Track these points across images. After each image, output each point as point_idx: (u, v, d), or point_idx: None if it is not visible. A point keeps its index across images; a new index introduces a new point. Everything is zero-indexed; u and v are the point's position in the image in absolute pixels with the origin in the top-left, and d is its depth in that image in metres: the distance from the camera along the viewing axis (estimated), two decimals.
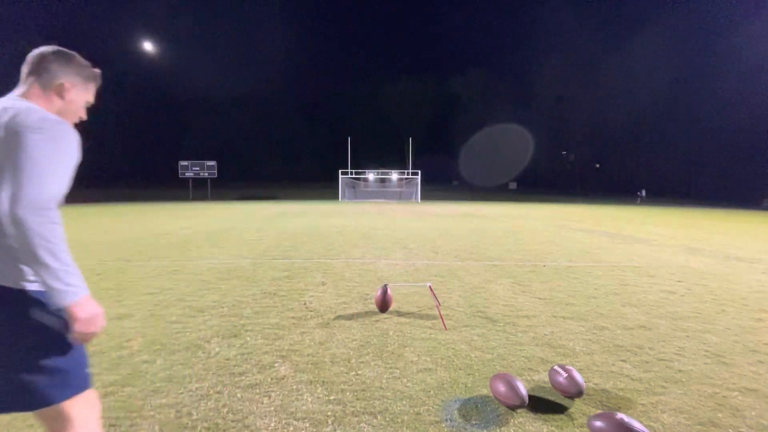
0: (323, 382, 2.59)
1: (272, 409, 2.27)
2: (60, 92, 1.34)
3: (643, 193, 44.63)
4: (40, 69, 1.31)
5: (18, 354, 1.21)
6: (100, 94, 1.50)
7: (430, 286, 4.19)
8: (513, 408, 2.26)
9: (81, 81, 1.39)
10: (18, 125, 1.17)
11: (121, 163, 67.53)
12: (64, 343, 1.26)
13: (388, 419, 2.19)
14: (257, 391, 2.47)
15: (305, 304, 4.30)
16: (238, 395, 2.41)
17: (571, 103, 66.71)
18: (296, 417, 2.19)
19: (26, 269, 1.20)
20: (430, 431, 2.09)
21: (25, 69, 1.33)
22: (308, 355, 3.01)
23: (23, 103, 1.25)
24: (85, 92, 1.42)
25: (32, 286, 1.21)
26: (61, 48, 1.37)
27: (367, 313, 4.00)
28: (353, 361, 2.92)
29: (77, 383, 1.29)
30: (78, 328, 1.20)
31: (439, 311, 3.92)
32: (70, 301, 1.17)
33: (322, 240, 9.37)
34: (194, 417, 2.17)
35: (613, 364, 2.91)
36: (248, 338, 3.30)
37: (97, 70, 1.46)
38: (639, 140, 62.45)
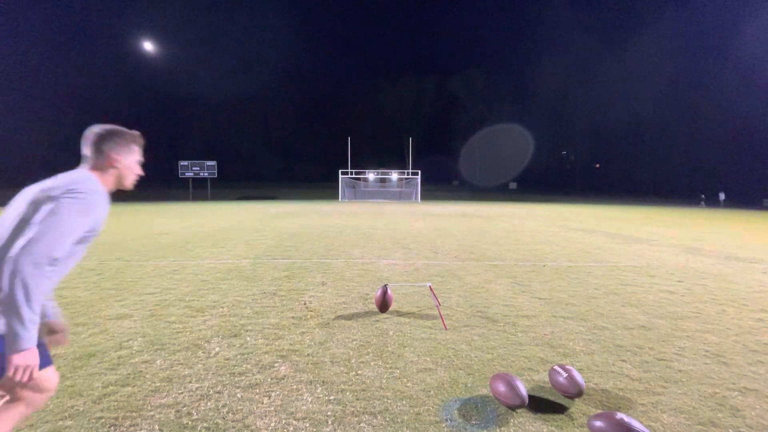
0: (323, 382, 2.59)
1: (272, 409, 2.27)
2: (118, 166, 1.62)
3: (722, 196, 37.38)
4: (96, 150, 1.58)
5: None
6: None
7: (430, 286, 4.19)
8: (513, 408, 2.26)
9: (125, 154, 1.64)
10: (53, 191, 1.41)
11: None
12: None
13: (388, 419, 2.19)
14: (257, 391, 2.47)
15: (305, 304, 4.30)
16: (238, 395, 2.41)
17: (571, 103, 66.64)
18: (296, 417, 2.19)
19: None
20: (430, 431, 2.09)
21: (84, 148, 1.60)
22: (308, 355, 3.01)
23: (80, 173, 1.54)
24: (132, 155, 1.68)
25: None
26: (108, 127, 1.64)
27: (367, 313, 4.00)
28: (353, 361, 2.92)
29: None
30: (11, 373, 1.27)
31: (439, 311, 3.92)
32: (21, 347, 1.27)
33: (322, 240, 9.37)
34: (194, 417, 2.17)
35: (613, 364, 2.91)
36: (248, 338, 3.30)
37: (136, 132, 1.71)
38: (639, 140, 62.38)
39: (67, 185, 1.44)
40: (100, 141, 1.59)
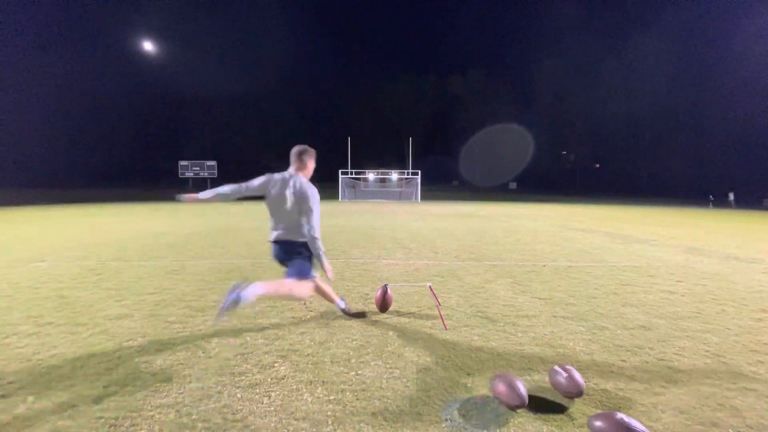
0: (323, 382, 2.59)
1: (272, 409, 2.27)
2: (304, 169, 3.26)
3: (732, 196, 36.14)
4: (300, 159, 3.23)
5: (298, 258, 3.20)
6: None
7: (430, 286, 4.19)
8: (513, 408, 2.26)
9: (312, 161, 3.32)
10: (307, 193, 3.10)
11: (121, 163, 67.54)
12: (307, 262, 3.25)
13: (388, 419, 2.19)
14: (257, 391, 2.47)
15: (305, 304, 4.30)
16: (238, 395, 2.41)
17: (571, 103, 66.57)
18: (296, 417, 2.19)
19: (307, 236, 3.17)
20: (430, 431, 2.09)
21: (293, 158, 3.24)
22: (308, 355, 3.01)
23: (299, 176, 3.19)
24: (313, 162, 3.32)
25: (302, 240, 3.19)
26: (304, 146, 3.27)
27: (367, 313, 4.00)
28: (353, 361, 2.92)
29: (307, 274, 3.22)
30: (330, 274, 3.31)
31: (439, 311, 3.92)
32: (325, 260, 3.25)
33: (322, 240, 9.37)
34: (194, 417, 2.17)
35: (613, 364, 2.91)
36: (248, 338, 3.31)
37: (314, 150, 3.37)
38: (639, 140, 62.35)
39: (306, 182, 3.19)
40: (301, 154, 3.24)
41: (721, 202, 37.32)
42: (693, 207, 32.45)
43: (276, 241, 3.22)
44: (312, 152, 3.27)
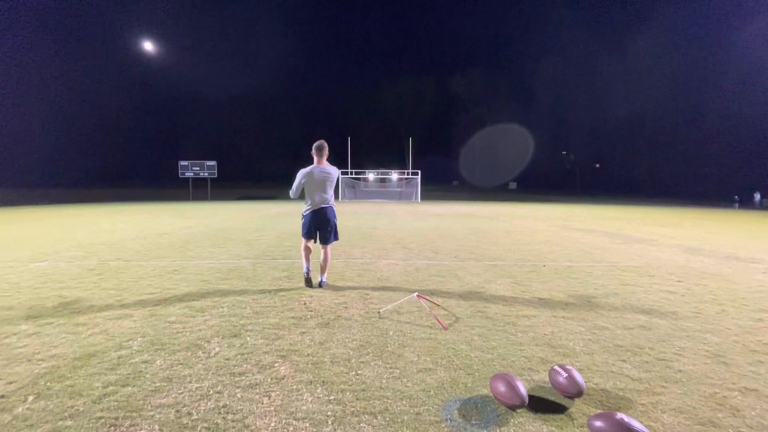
0: (323, 382, 2.59)
1: (272, 409, 2.27)
2: (325, 158, 4.94)
3: (758, 196, 35.10)
4: (322, 152, 4.89)
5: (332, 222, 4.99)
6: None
7: (417, 295, 4.23)
8: (513, 408, 2.26)
9: (327, 151, 4.96)
10: (334, 172, 4.97)
11: (121, 163, 67.60)
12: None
13: (388, 419, 2.19)
14: (257, 391, 2.47)
15: (305, 304, 4.30)
16: (238, 395, 2.41)
17: (571, 103, 66.58)
18: (296, 417, 2.19)
19: (332, 204, 5.00)
20: (430, 431, 2.09)
21: (318, 151, 4.89)
22: (308, 355, 3.01)
23: (329, 165, 4.96)
24: (327, 152, 4.97)
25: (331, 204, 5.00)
26: (322, 142, 4.96)
27: (367, 313, 4.00)
28: (353, 361, 2.92)
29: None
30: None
31: (433, 314, 3.93)
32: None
33: None
34: (194, 417, 2.18)
35: (613, 364, 2.91)
36: (248, 338, 3.31)
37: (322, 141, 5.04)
38: (639, 140, 62.27)
39: (331, 165, 4.98)
40: (321, 148, 4.87)
41: (746, 203, 36.28)
42: (718, 208, 31.84)
43: (317, 209, 4.83)
44: (326, 147, 4.94)
